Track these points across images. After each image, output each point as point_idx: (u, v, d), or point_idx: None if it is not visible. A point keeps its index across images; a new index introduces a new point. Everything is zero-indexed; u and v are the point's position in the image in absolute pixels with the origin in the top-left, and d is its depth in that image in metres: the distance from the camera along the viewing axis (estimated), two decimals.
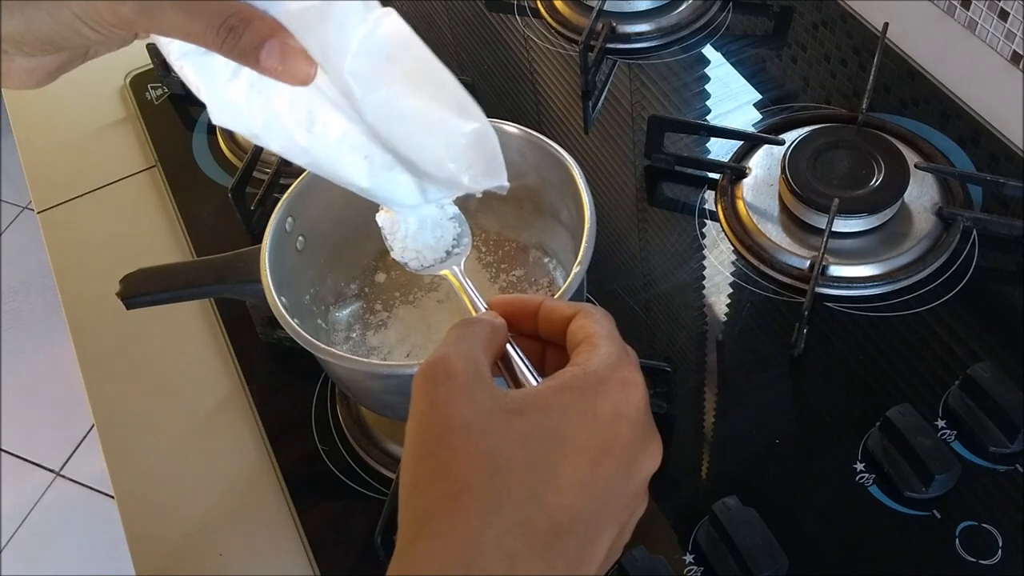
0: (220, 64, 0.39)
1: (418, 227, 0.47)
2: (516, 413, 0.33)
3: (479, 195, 0.42)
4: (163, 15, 0.36)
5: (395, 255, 0.48)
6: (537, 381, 0.38)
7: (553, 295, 0.53)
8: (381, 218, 0.48)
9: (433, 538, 0.31)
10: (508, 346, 0.39)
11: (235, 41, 0.36)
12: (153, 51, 0.92)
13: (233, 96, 0.39)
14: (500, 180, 0.41)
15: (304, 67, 0.37)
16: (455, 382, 0.34)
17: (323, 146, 0.41)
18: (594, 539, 0.33)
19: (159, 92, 0.94)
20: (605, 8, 0.91)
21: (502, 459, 0.32)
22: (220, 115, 0.40)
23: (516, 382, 0.39)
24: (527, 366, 0.39)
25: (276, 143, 0.41)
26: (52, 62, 0.40)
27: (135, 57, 0.96)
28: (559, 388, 0.34)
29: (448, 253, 0.48)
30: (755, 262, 0.72)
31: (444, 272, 0.47)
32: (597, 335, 0.37)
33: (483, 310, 0.42)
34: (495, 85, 0.91)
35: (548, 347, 0.41)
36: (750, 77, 0.87)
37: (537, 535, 0.31)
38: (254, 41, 0.36)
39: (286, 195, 0.59)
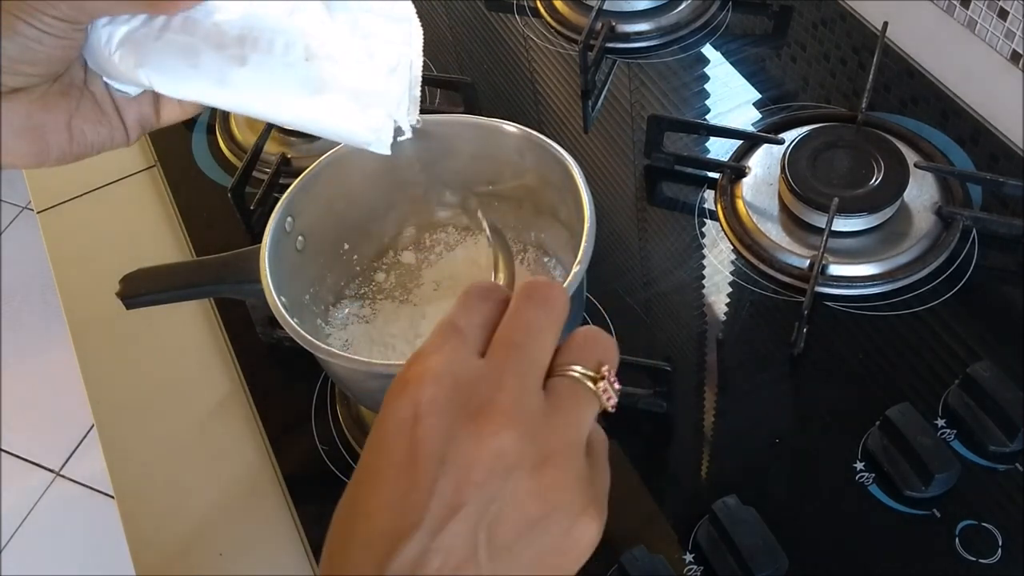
0: (149, 33, 0.39)
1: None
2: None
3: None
4: None
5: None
6: None
7: None
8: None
9: None
10: None
11: None
12: None
13: (167, 59, 0.40)
14: None
15: None
16: None
17: (265, 69, 0.41)
18: (438, 544, 0.30)
19: None
20: (605, 8, 0.91)
21: (343, 502, 0.33)
22: (163, 84, 0.40)
23: None
24: None
25: (218, 89, 0.41)
26: (26, 109, 0.40)
27: None
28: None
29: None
30: (755, 261, 0.72)
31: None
32: None
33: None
34: (495, 85, 0.91)
35: None
36: (750, 76, 0.87)
37: (369, 565, 0.30)
38: None
39: (286, 195, 0.59)
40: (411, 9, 0.44)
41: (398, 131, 0.46)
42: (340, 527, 0.32)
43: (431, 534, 0.30)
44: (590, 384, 0.34)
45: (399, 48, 0.43)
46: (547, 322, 0.34)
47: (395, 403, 0.32)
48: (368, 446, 0.33)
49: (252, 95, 0.41)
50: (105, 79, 0.42)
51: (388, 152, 0.45)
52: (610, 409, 0.34)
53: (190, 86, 0.40)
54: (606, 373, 0.34)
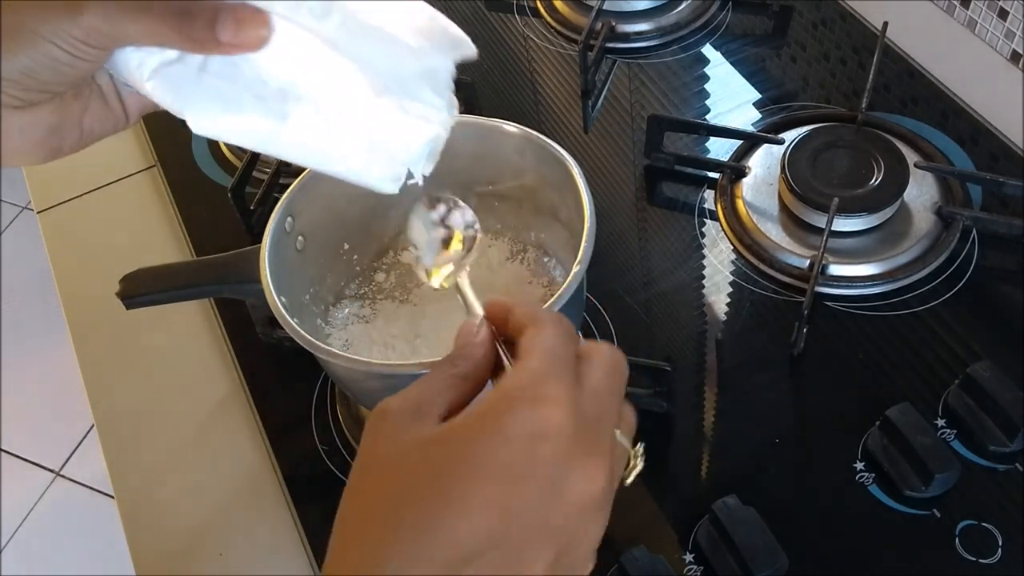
0: (186, 71, 0.39)
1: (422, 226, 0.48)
2: (436, 443, 0.34)
3: (454, 71, 0.43)
4: (126, 16, 0.37)
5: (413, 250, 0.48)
6: None
7: (553, 294, 0.53)
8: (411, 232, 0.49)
9: (337, 571, 0.32)
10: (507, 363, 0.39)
11: (191, 26, 0.37)
12: None
13: (205, 102, 0.40)
14: (466, 47, 0.42)
15: (256, 31, 0.38)
16: (386, 420, 0.35)
17: (304, 125, 0.41)
18: (515, 560, 0.32)
19: None
20: (604, 7, 0.91)
21: (409, 489, 0.33)
22: (199, 124, 0.40)
23: None
24: None
25: (254, 137, 0.41)
26: (44, 118, 0.40)
27: None
28: (478, 413, 0.34)
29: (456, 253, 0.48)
30: (755, 261, 0.72)
31: (443, 282, 0.47)
32: (529, 351, 0.36)
33: (480, 314, 0.42)
34: (495, 85, 0.91)
35: None
36: (750, 76, 0.87)
37: (443, 563, 0.31)
38: (208, 18, 0.37)
39: (286, 195, 0.59)
40: (454, 102, 0.45)
41: (408, 175, 0.47)
42: (418, 508, 0.32)
43: (519, 547, 0.32)
44: (630, 452, 0.38)
45: (435, 127, 0.44)
46: (621, 394, 0.38)
47: (523, 414, 0.33)
48: (469, 439, 0.33)
49: (287, 146, 0.42)
50: (111, 72, 0.42)
51: (396, 192, 0.46)
52: (627, 482, 0.38)
53: (228, 132, 0.41)
54: (640, 451, 0.38)
